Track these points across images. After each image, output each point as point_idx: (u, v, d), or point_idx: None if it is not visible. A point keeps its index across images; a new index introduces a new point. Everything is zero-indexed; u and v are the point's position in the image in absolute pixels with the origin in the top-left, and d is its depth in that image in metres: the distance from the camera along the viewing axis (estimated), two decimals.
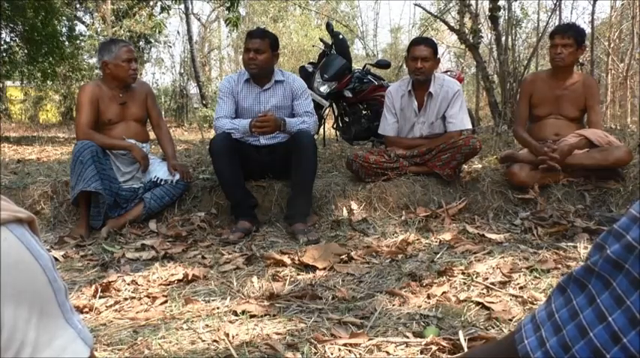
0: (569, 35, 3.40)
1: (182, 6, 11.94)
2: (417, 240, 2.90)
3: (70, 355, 0.60)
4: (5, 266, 0.56)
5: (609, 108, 11.42)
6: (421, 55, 3.42)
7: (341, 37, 4.88)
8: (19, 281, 0.57)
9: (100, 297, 2.17)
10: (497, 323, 1.82)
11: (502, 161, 3.73)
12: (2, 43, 9.27)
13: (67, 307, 0.62)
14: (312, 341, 1.70)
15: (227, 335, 1.75)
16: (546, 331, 0.60)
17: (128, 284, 2.32)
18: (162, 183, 3.32)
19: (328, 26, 4.94)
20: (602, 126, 3.69)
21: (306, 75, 4.69)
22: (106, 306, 2.09)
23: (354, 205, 3.36)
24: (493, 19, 6.47)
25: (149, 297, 2.18)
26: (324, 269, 2.46)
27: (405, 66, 4.28)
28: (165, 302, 2.13)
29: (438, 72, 3.87)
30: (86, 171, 3.06)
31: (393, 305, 2.02)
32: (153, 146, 3.81)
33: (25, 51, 9.46)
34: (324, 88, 4.59)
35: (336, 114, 5.00)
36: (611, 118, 11.00)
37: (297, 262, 2.53)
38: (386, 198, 3.38)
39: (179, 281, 2.36)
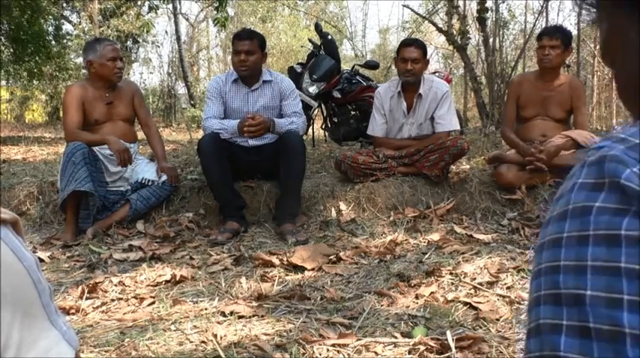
0: (557, 37, 3.43)
1: (170, 6, 11.88)
2: (406, 240, 2.91)
3: (54, 356, 0.59)
4: None
5: (595, 110, 11.53)
6: (411, 57, 3.43)
7: (330, 37, 4.88)
8: (2, 283, 0.56)
9: (87, 298, 2.16)
10: (485, 323, 1.83)
11: (490, 162, 3.75)
12: None
13: (51, 308, 0.62)
14: (301, 341, 1.70)
15: (215, 336, 1.75)
16: None
17: (115, 285, 2.30)
18: (148, 183, 3.30)
19: (317, 27, 4.93)
20: (588, 128, 3.73)
21: (294, 75, 4.68)
22: (93, 307, 2.08)
23: (342, 206, 3.36)
24: (481, 20, 6.51)
25: (136, 298, 2.16)
26: (313, 269, 2.46)
27: (393, 67, 4.29)
28: (153, 303, 2.12)
29: (427, 73, 3.89)
30: (78, 171, 3.04)
31: (382, 305, 2.03)
32: (141, 146, 3.79)
33: (11, 50, 9.36)
34: (312, 89, 4.59)
35: (324, 114, 5.00)
36: (597, 120, 11.11)
37: (285, 263, 2.53)
38: (374, 198, 3.39)
39: (167, 282, 2.35)
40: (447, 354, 1.61)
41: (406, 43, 3.53)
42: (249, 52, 3.23)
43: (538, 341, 0.47)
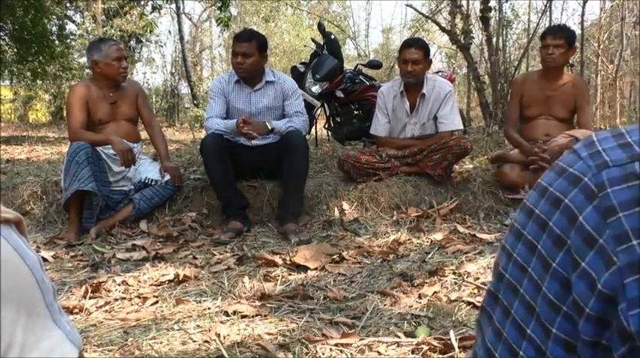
0: (561, 36, 3.42)
1: (173, 5, 11.89)
2: (409, 240, 2.90)
3: (57, 356, 0.59)
4: None
5: (599, 109, 11.50)
6: (412, 58, 3.42)
7: (333, 37, 4.87)
8: (6, 283, 0.56)
9: (91, 298, 2.16)
10: None
11: (493, 161, 3.74)
12: None
13: (55, 308, 0.62)
14: (304, 341, 1.70)
15: (218, 335, 1.75)
16: None
17: (119, 284, 2.31)
18: (152, 183, 3.31)
19: (320, 26, 4.93)
20: (592, 127, 3.72)
21: (297, 75, 4.68)
22: (97, 307, 2.08)
23: (345, 205, 3.36)
24: (484, 19, 6.49)
25: (140, 298, 2.17)
26: (316, 269, 2.46)
27: (396, 66, 4.28)
28: (156, 302, 2.12)
29: (430, 72, 3.88)
30: (82, 171, 3.04)
31: (385, 305, 2.03)
32: (144, 146, 3.79)
33: (15, 50, 9.38)
34: (315, 88, 4.58)
35: (327, 114, 4.99)
36: (601, 119, 11.08)
37: (288, 262, 2.53)
38: (377, 198, 3.39)
39: (170, 281, 2.35)
40: (450, 354, 1.61)
41: (407, 44, 3.51)
42: (246, 54, 3.23)
43: None
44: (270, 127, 3.21)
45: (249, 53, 3.23)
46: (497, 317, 0.57)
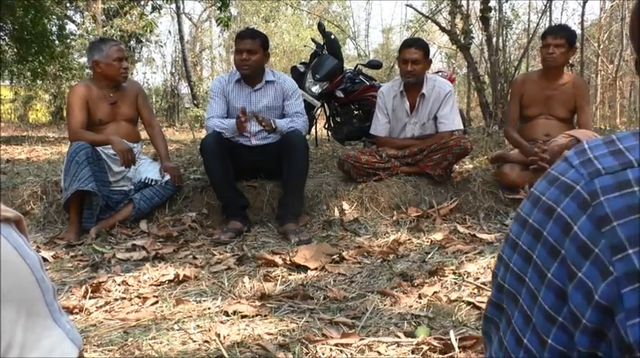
0: (562, 36, 3.42)
1: (173, 5, 11.89)
2: (409, 240, 2.90)
3: (58, 355, 0.59)
4: None
5: (599, 109, 11.50)
6: (411, 58, 3.42)
7: (333, 37, 4.87)
8: (6, 282, 0.56)
9: (90, 298, 2.16)
10: None
11: (493, 161, 3.74)
12: None
13: (55, 307, 0.62)
14: (304, 341, 1.70)
15: (218, 335, 1.75)
16: None
17: (119, 284, 2.31)
18: (152, 183, 3.31)
19: (320, 26, 4.93)
20: (592, 127, 3.72)
21: (297, 75, 4.68)
22: (97, 307, 2.08)
23: (345, 205, 3.36)
24: (484, 19, 6.49)
25: (140, 298, 2.17)
26: (316, 269, 2.46)
27: (396, 66, 4.28)
28: (156, 302, 2.12)
29: (430, 72, 3.88)
30: (82, 171, 3.04)
31: (385, 305, 2.03)
32: (144, 146, 3.79)
33: (15, 50, 9.38)
34: (315, 88, 4.58)
35: (327, 114, 4.99)
36: (601, 119, 11.08)
37: (288, 262, 2.53)
38: (377, 198, 3.39)
39: (170, 281, 2.35)
40: (450, 354, 1.61)
41: (407, 44, 3.51)
42: (250, 51, 3.24)
43: None
44: (273, 126, 3.22)
45: (254, 50, 3.24)
46: (503, 327, 0.57)
